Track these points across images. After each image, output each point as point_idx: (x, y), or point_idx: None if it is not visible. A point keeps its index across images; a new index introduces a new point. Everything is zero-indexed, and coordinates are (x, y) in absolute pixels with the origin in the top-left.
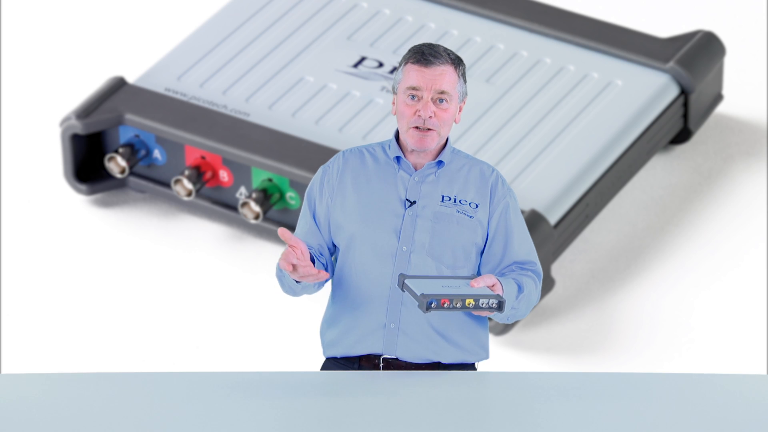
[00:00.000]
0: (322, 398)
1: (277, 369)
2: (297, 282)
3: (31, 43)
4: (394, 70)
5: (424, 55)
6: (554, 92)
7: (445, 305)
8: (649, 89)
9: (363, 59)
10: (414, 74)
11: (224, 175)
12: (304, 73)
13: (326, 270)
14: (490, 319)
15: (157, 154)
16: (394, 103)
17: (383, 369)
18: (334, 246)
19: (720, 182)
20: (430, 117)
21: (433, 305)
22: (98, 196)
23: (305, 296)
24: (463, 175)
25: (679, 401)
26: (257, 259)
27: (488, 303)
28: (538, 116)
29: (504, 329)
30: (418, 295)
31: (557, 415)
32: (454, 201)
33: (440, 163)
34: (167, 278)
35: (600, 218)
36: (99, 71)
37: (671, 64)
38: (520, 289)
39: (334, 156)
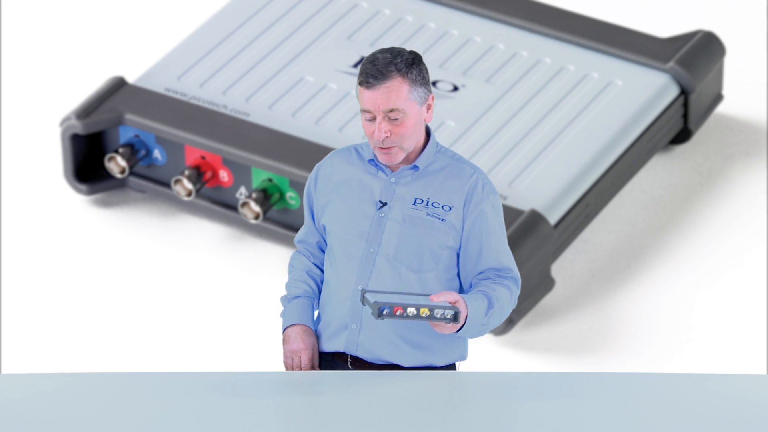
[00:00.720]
0: (323, 398)
1: (278, 369)
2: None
3: (31, 43)
4: None
5: (367, 75)
6: (554, 92)
7: (398, 313)
8: (649, 89)
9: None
10: (363, 97)
11: (224, 175)
12: (304, 73)
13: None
14: None
15: (157, 154)
16: None
17: (351, 367)
18: None
19: (720, 182)
20: (386, 137)
21: (385, 312)
22: (98, 196)
23: None
24: (441, 177)
25: (679, 401)
26: (257, 259)
27: (443, 313)
28: (538, 116)
29: (504, 329)
30: (372, 302)
31: (557, 415)
32: (426, 203)
33: (415, 167)
34: (167, 278)
35: (600, 218)
36: (99, 71)
37: (671, 64)
38: (490, 304)
39: (328, 155)
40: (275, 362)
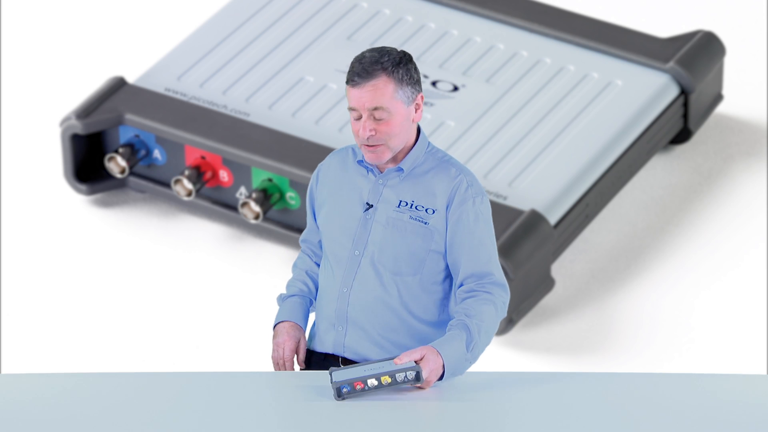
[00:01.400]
0: (323, 398)
1: None
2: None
3: (31, 43)
4: None
5: (353, 74)
6: (554, 92)
7: (359, 387)
8: (649, 89)
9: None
10: (349, 95)
11: (224, 175)
12: (304, 73)
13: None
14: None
15: (157, 154)
16: None
17: (343, 367)
18: None
19: (720, 182)
20: (372, 135)
21: (344, 390)
22: (98, 196)
23: None
24: (428, 179)
25: (679, 401)
26: (257, 259)
27: (405, 377)
28: (538, 116)
29: (504, 329)
30: (332, 382)
31: (557, 415)
32: (410, 206)
33: (400, 169)
34: (167, 278)
35: (600, 218)
36: (99, 71)
37: (671, 64)
38: (469, 337)
39: (330, 154)
40: None
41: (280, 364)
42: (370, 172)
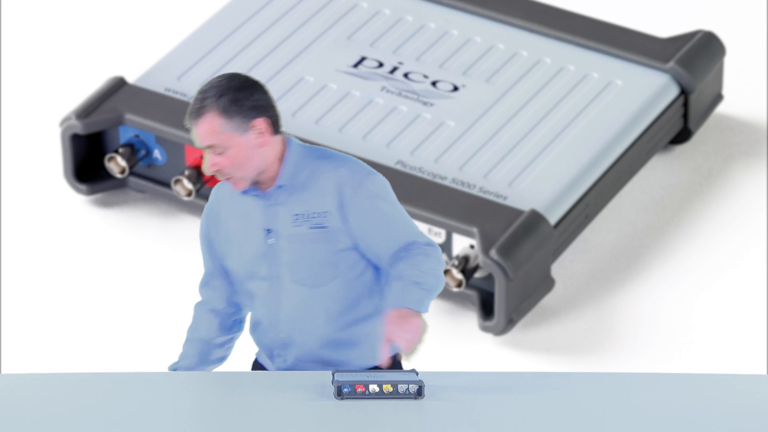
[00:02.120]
0: (323, 398)
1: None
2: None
3: (31, 43)
4: (394, 70)
5: (186, 115)
6: (554, 92)
7: (359, 390)
8: (649, 89)
9: (363, 59)
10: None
11: None
12: (304, 73)
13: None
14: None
15: (157, 154)
16: None
17: None
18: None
19: (720, 182)
20: (216, 170)
21: (345, 390)
22: (98, 196)
23: None
24: (312, 184)
25: (679, 401)
26: None
27: (407, 389)
28: (538, 116)
29: (504, 329)
30: (333, 382)
31: (557, 415)
32: (306, 217)
33: (280, 186)
34: (167, 278)
35: (600, 218)
36: (99, 71)
37: (671, 64)
38: (416, 283)
39: (213, 188)
40: None
41: None
42: (257, 198)
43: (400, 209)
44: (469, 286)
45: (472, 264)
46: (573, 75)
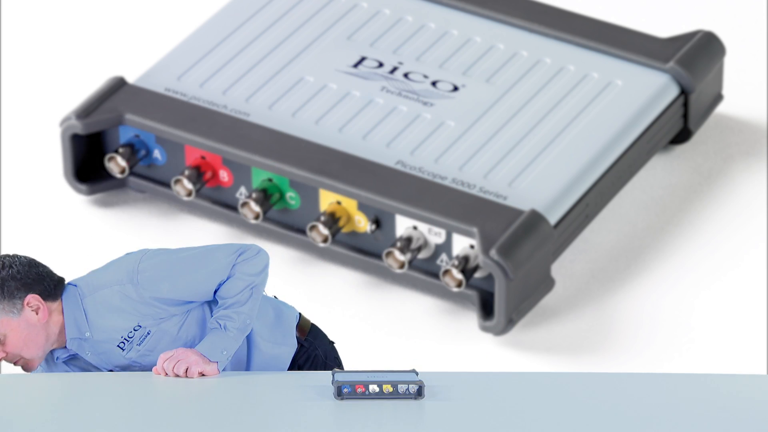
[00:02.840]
0: (323, 398)
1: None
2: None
3: (31, 43)
4: (394, 70)
5: None
6: (554, 92)
7: (359, 391)
8: (649, 89)
9: (363, 59)
10: None
11: (224, 175)
12: (304, 73)
13: None
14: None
15: (157, 154)
16: None
17: None
18: None
19: (720, 182)
20: (3, 357)
21: (345, 390)
22: (98, 196)
23: (303, 296)
24: (106, 317)
25: (679, 401)
26: None
27: (407, 389)
28: (538, 116)
29: (504, 329)
30: (333, 382)
31: (557, 415)
32: (129, 341)
33: (73, 339)
34: None
35: (600, 218)
36: (99, 71)
37: (671, 64)
38: (222, 324)
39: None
40: None
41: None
42: (71, 357)
43: (182, 262)
44: (469, 286)
45: (472, 264)
46: (573, 75)
